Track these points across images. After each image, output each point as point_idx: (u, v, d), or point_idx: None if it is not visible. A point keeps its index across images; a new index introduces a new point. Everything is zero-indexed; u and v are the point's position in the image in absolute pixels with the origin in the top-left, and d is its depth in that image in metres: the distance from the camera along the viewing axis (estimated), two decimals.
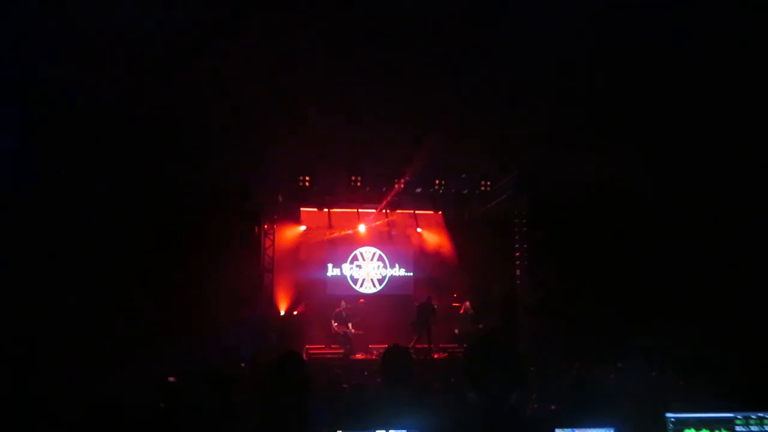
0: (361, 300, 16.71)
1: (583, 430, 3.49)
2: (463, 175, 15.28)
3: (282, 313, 16.28)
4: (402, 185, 15.13)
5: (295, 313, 16.57)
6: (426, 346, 15.18)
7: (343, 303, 15.88)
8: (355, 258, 17.58)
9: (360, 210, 17.24)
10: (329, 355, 15.56)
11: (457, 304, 16.67)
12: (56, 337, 9.52)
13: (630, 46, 8.21)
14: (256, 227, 15.20)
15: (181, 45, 7.83)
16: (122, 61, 8.04)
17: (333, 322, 15.57)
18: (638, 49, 8.37)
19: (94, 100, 8.59)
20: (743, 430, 3.57)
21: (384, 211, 17.16)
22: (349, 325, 15.56)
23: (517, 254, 15.90)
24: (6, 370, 7.25)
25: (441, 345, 15.97)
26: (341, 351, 15.44)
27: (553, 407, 6.54)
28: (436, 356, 15.41)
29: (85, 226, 10.48)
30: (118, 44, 7.65)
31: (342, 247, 17.57)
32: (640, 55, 8.48)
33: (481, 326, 15.79)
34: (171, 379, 5.07)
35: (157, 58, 8.02)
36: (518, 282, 16.00)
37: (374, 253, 17.74)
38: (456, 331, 16.15)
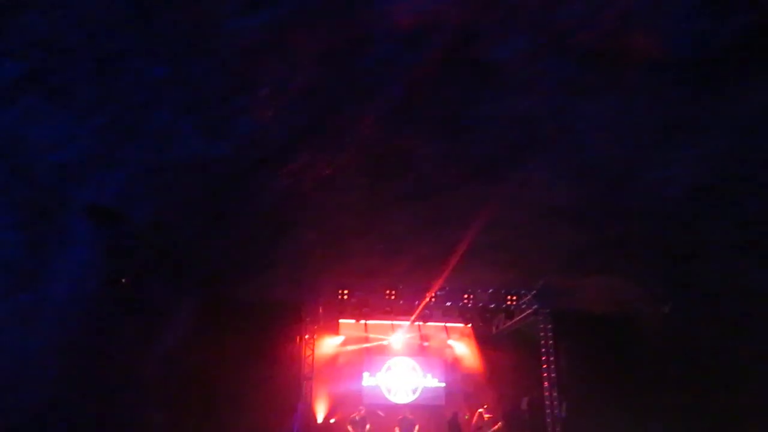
0: (380, 413, 15.99)
1: None
2: (490, 290, 15.10)
3: (320, 420, 15.75)
4: (433, 299, 14.99)
5: (332, 421, 16.02)
6: None
7: (361, 408, 15.39)
8: (389, 368, 17.18)
9: (394, 322, 17.03)
10: None
11: (486, 416, 15.96)
12: None
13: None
14: (299, 337, 15.07)
15: (238, 186, 8.16)
16: (188, 198, 8.37)
17: (348, 427, 14.96)
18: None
19: (166, 230, 8.90)
20: None
21: (416, 323, 16.94)
22: (367, 426, 14.94)
23: (545, 366, 15.29)
24: None
25: None
26: None
27: None
28: None
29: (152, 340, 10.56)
30: (182, 180, 8.02)
31: (377, 357, 17.27)
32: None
33: (495, 427, 15.11)
34: None
35: (218, 197, 8.34)
36: (546, 394, 15.27)
37: (407, 363, 17.34)
38: None
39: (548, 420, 15.08)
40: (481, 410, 15.71)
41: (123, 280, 9.24)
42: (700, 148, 7.38)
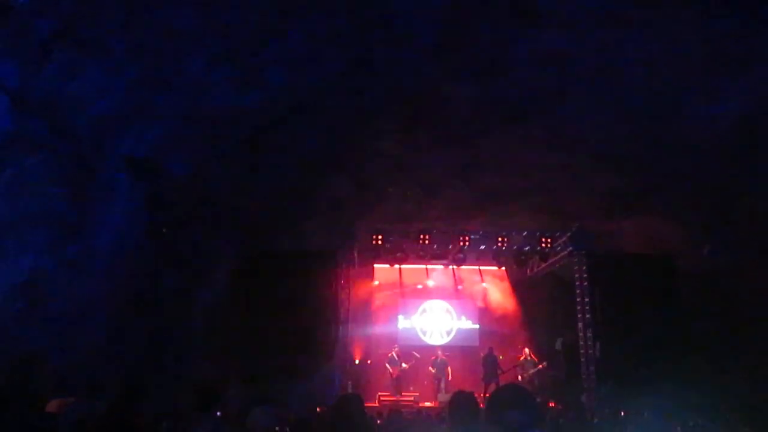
0: (416, 354, 16.37)
1: None
2: (525, 233, 15.03)
3: (357, 362, 16.18)
4: (467, 243, 15.01)
5: (368, 362, 16.45)
6: None
7: (396, 347, 16.09)
8: (424, 311, 17.46)
9: (428, 266, 17.17)
10: (399, 402, 15.28)
11: (517, 355, 16.28)
12: (169, 375, 9.72)
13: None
14: (335, 283, 15.31)
15: (272, 136, 8.14)
16: (223, 149, 8.41)
17: (387, 365, 15.69)
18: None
19: (203, 182, 8.99)
20: None
21: (450, 266, 17.06)
22: (403, 364, 15.65)
23: (579, 307, 15.31)
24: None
25: None
26: (411, 398, 15.17)
27: None
28: None
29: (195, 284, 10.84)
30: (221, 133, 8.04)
31: (412, 300, 17.52)
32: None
33: (540, 367, 15.43)
34: None
35: (253, 147, 8.35)
36: (581, 334, 15.35)
37: (442, 306, 17.59)
38: (519, 377, 15.63)
39: (582, 360, 15.21)
40: (527, 350, 16.01)
41: (164, 231, 9.42)
42: (747, 81, 7.07)
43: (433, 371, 15.64)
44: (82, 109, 7.27)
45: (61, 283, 8.30)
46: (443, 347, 16.76)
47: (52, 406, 5.21)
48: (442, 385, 15.45)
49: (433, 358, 15.86)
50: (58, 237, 8.02)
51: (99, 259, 8.51)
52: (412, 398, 15.21)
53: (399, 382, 15.55)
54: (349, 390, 14.44)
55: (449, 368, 15.72)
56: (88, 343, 8.82)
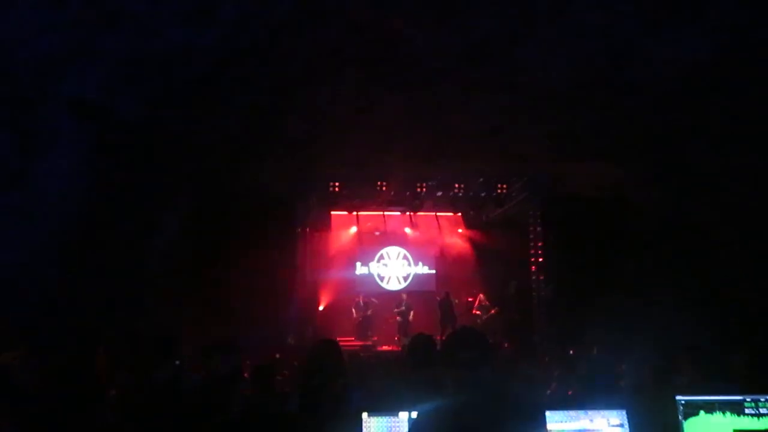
0: (374, 300, 16.75)
1: (597, 411, 3.42)
2: (481, 179, 15.20)
3: (317, 308, 16.39)
4: (423, 189, 15.12)
5: (327, 308, 16.67)
6: None
7: (360, 294, 16.78)
8: (381, 257, 17.66)
9: (386, 213, 17.30)
10: (359, 346, 15.61)
11: (472, 299, 16.76)
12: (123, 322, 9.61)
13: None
14: (291, 230, 15.27)
15: (225, 77, 7.86)
16: (174, 90, 8.09)
17: (353, 310, 16.33)
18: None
19: (154, 124, 8.67)
20: (752, 412, 3.47)
21: (407, 213, 17.21)
22: (369, 311, 16.29)
23: (532, 251, 15.73)
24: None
25: None
26: (370, 342, 15.54)
27: (569, 392, 6.41)
28: None
29: (149, 231, 10.62)
30: (162, 66, 7.70)
31: (369, 247, 17.67)
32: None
33: (493, 312, 15.99)
34: None
35: (205, 88, 8.06)
36: (534, 278, 15.82)
37: (399, 253, 17.82)
38: (479, 321, 16.16)
39: (535, 302, 15.73)
40: (481, 295, 16.47)
41: (113, 176, 9.13)
42: (701, 26, 7.14)
43: (399, 317, 16.09)
44: (20, 50, 6.85)
45: (6, 232, 8.01)
46: (402, 292, 17.07)
47: (3, 358, 5.05)
48: (406, 329, 15.83)
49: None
50: (1, 184, 7.69)
51: (45, 206, 8.22)
52: (371, 343, 15.57)
53: (361, 327, 15.92)
54: (309, 335, 14.63)
55: (412, 313, 16.15)
56: (37, 294, 8.59)
